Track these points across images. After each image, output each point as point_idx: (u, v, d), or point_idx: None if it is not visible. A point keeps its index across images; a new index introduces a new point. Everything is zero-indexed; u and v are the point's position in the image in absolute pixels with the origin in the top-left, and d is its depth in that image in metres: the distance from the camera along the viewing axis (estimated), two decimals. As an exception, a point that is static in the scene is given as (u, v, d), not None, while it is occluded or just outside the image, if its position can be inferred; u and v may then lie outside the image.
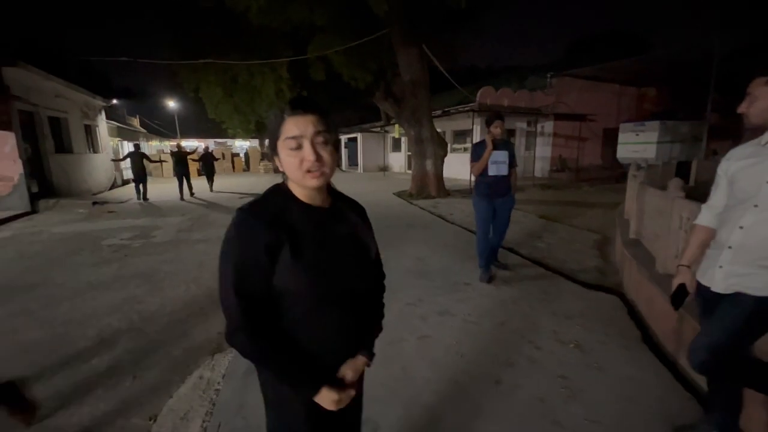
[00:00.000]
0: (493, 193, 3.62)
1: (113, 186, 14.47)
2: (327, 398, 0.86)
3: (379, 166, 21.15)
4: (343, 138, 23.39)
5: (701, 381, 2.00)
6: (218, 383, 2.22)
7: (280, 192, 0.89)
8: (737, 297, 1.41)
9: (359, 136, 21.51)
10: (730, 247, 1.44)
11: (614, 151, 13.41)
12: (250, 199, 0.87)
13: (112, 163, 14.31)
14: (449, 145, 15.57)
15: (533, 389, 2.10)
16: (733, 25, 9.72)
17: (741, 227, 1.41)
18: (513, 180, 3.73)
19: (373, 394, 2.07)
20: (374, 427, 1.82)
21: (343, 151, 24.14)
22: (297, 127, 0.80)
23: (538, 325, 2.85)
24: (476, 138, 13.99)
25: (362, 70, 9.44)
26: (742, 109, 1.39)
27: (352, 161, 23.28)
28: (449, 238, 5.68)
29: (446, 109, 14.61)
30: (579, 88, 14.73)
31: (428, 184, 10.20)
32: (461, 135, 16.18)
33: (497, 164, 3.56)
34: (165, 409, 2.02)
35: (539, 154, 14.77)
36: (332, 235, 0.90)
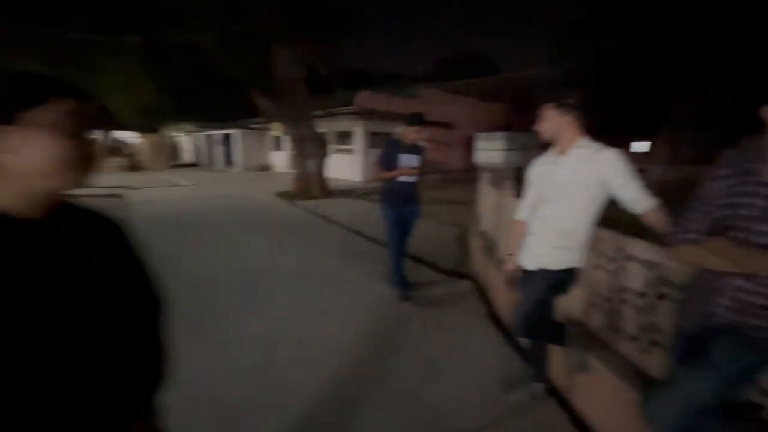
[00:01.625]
0: (403, 202, 3.31)
1: None
2: None
3: (261, 165, 19.94)
4: (215, 134, 21.28)
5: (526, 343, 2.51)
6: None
7: None
8: (540, 272, 1.81)
9: (237, 132, 19.86)
10: (535, 234, 1.84)
11: (473, 156, 15.62)
12: None
13: None
14: (334, 146, 15.78)
15: (402, 374, 2.30)
16: (557, 59, 12.37)
17: (541, 218, 1.81)
18: (420, 188, 3.45)
19: (248, 405, 1.96)
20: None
21: (217, 149, 21.94)
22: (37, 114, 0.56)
23: (409, 314, 3.12)
24: (358, 141, 14.47)
25: (237, 63, 8.75)
26: (537, 127, 1.78)
27: (229, 159, 21.35)
28: (331, 239, 5.73)
29: (330, 111, 14.70)
30: (444, 99, 16.66)
31: (311, 185, 10.10)
32: (345, 136, 16.49)
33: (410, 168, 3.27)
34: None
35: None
36: (36, 265, 0.58)
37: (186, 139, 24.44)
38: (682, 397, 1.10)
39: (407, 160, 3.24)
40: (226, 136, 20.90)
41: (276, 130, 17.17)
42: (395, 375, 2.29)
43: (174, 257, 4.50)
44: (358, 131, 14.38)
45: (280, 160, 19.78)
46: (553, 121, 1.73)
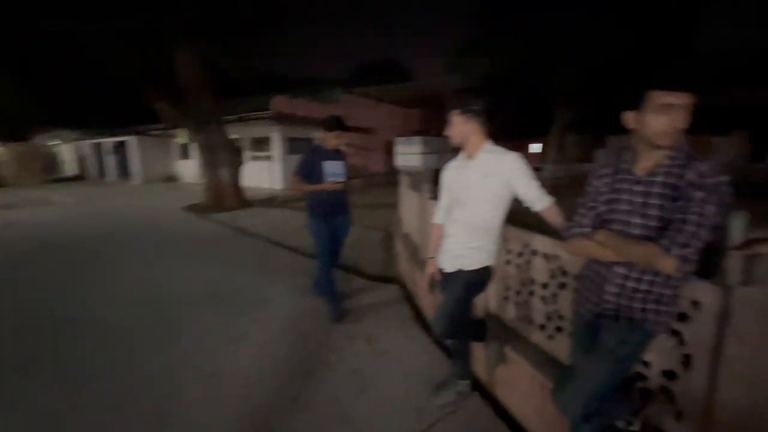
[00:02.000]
0: (332, 213, 3.09)
1: None
2: None
3: (166, 176, 17.87)
4: (106, 142, 18.52)
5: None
6: None
7: None
8: (458, 273, 1.85)
9: (133, 139, 17.50)
10: (451, 236, 1.87)
11: (394, 160, 16.06)
12: None
13: None
14: (250, 153, 14.84)
15: (330, 392, 2.17)
16: (464, 69, 13.37)
17: (455, 220, 1.85)
18: (348, 194, 3.28)
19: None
20: None
21: (108, 159, 19.09)
22: None
23: (334, 327, 2.99)
24: (275, 147, 13.84)
25: (126, 60, 7.68)
26: (446, 132, 1.82)
27: (125, 170, 18.72)
28: (249, 253, 5.31)
29: (244, 115, 13.80)
30: (363, 104, 16.86)
31: (225, 196, 9.31)
32: (261, 143, 15.64)
33: (335, 177, 3.00)
34: None
35: (336, 162, 16.01)
36: None
37: (67, 149, 20.80)
38: (586, 385, 1.18)
39: (331, 167, 3.00)
40: (120, 144, 18.32)
41: (181, 136, 15.56)
42: (322, 395, 2.15)
43: (39, 296, 3.71)
44: (276, 137, 13.78)
45: (189, 169, 17.99)
46: (459, 126, 1.79)
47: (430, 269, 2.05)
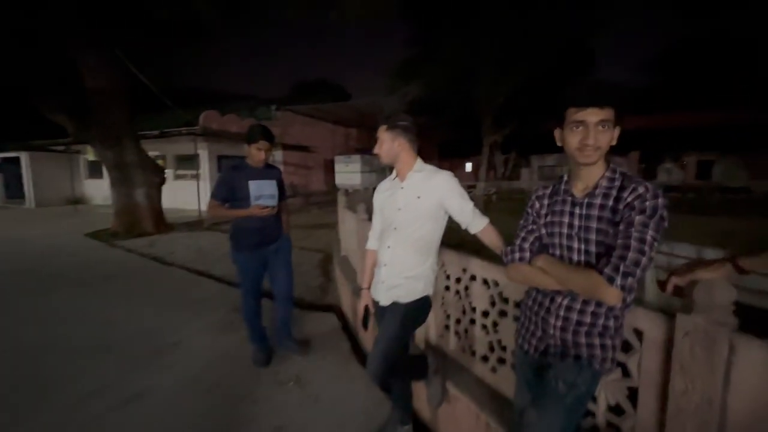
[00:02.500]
0: (262, 241, 2.54)
1: None
2: None
3: (68, 199, 15.55)
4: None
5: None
6: None
7: None
8: (394, 307, 1.64)
9: (23, 156, 15.04)
10: (385, 265, 1.67)
11: (334, 178, 15.80)
12: None
13: None
14: (174, 172, 13.54)
15: (247, 459, 1.79)
16: (394, 92, 13.76)
17: (389, 247, 1.66)
18: (286, 216, 2.76)
19: None
20: None
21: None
22: None
23: (260, 371, 2.59)
24: (204, 165, 12.82)
25: (14, 65, 6.53)
26: (375, 150, 1.65)
27: (14, 192, 15.94)
28: (164, 286, 4.62)
29: (165, 131, 12.60)
30: (300, 122, 16.50)
31: (140, 219, 8.25)
32: (187, 160, 14.40)
33: (263, 199, 2.44)
34: None
35: (273, 181, 15.33)
36: None
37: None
38: None
39: (257, 188, 2.43)
40: (9, 161, 15.64)
41: (90, 153, 13.73)
42: (238, 464, 1.77)
43: None
44: (204, 154, 12.78)
45: (100, 190, 15.92)
46: (387, 144, 1.64)
47: (364, 301, 1.83)
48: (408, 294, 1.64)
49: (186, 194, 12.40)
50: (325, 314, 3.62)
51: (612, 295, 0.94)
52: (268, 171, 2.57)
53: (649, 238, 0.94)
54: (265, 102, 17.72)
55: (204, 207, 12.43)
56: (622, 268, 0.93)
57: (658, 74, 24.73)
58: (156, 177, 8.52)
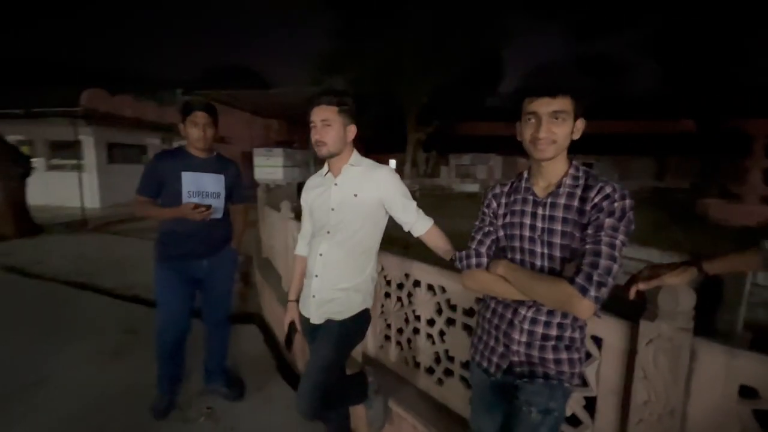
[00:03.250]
0: (192, 252, 1.95)
1: None
2: None
3: None
4: None
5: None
6: None
7: None
8: (327, 326, 1.40)
9: None
10: (317, 276, 1.42)
11: (253, 173, 14.67)
12: None
13: None
14: (47, 161, 11.12)
15: None
16: (317, 84, 13.21)
17: (321, 254, 1.41)
18: (239, 225, 2.16)
19: None
20: None
21: None
22: None
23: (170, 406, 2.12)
24: (89, 154, 10.78)
25: None
26: (317, 137, 1.36)
27: None
28: (24, 304, 3.65)
29: (33, 110, 10.26)
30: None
31: (-5, 220, 6.54)
32: (66, 148, 11.97)
33: (200, 197, 1.88)
34: None
35: (180, 174, 13.62)
36: None
37: None
38: None
39: (192, 182, 1.87)
40: None
41: None
42: None
43: None
44: (89, 141, 10.77)
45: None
46: (337, 128, 1.34)
47: (290, 316, 1.56)
48: (344, 309, 1.41)
49: (64, 188, 10.28)
50: (244, 326, 3.19)
51: (585, 308, 0.84)
52: (214, 163, 1.97)
53: (618, 242, 0.86)
54: (170, 85, 15.65)
55: (91, 204, 10.46)
56: (595, 277, 0.83)
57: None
58: (16, 167, 6.83)
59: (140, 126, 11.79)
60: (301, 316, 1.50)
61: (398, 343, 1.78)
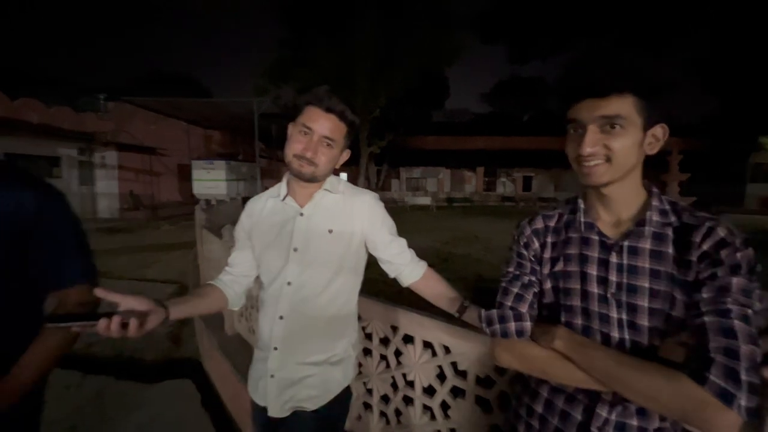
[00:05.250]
0: None
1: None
2: None
3: None
4: None
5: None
6: None
7: None
8: (297, 421, 0.98)
9: None
10: (275, 348, 0.99)
11: (192, 187, 13.40)
12: None
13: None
14: None
15: None
16: (264, 94, 12.51)
17: (281, 317, 0.98)
18: (40, 351, 0.83)
19: None
20: None
21: None
22: None
23: None
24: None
25: None
26: (306, 154, 0.93)
27: None
28: None
29: None
30: (145, 119, 13.48)
31: None
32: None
33: None
34: None
35: (103, 190, 12.02)
36: None
37: None
38: None
39: None
40: None
41: None
42: None
43: None
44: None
45: None
46: (336, 148, 0.96)
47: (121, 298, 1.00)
48: (320, 393, 0.98)
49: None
50: (171, 384, 2.55)
51: (729, 426, 0.54)
52: None
53: (752, 313, 0.58)
54: (91, 90, 13.90)
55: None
56: (743, 375, 0.53)
57: (495, 104, 30.23)
58: None
59: (50, 134, 10.18)
60: (252, 403, 1.05)
61: (383, 414, 1.39)
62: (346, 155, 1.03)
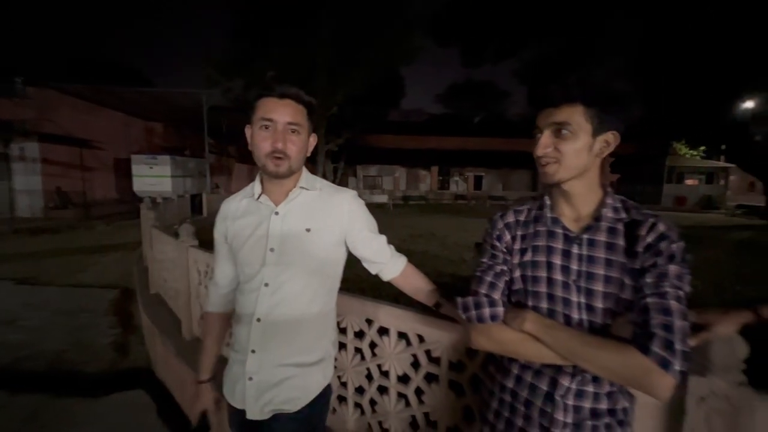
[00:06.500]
0: None
1: None
2: None
3: None
4: None
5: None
6: None
7: None
8: (277, 422, 0.98)
9: None
10: (253, 351, 0.98)
11: (131, 183, 12.34)
12: None
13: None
14: None
15: None
16: (215, 86, 11.81)
17: (259, 319, 0.98)
18: None
19: None
20: None
21: None
22: None
23: None
24: None
25: None
26: (277, 145, 0.93)
27: None
28: None
29: None
30: (73, 107, 12.16)
31: None
32: None
33: None
34: None
35: (23, 186, 10.68)
36: None
37: None
38: None
39: None
40: None
41: None
42: None
43: None
44: None
45: None
46: (303, 135, 0.96)
47: (202, 403, 1.09)
48: (300, 395, 0.98)
49: None
50: (126, 394, 2.39)
51: (667, 387, 0.65)
52: None
53: (683, 295, 0.70)
54: (5, 72, 12.20)
55: None
56: (677, 345, 0.65)
57: (449, 105, 31.23)
58: None
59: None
60: (229, 406, 1.03)
61: (357, 405, 1.43)
62: (314, 140, 1.03)
